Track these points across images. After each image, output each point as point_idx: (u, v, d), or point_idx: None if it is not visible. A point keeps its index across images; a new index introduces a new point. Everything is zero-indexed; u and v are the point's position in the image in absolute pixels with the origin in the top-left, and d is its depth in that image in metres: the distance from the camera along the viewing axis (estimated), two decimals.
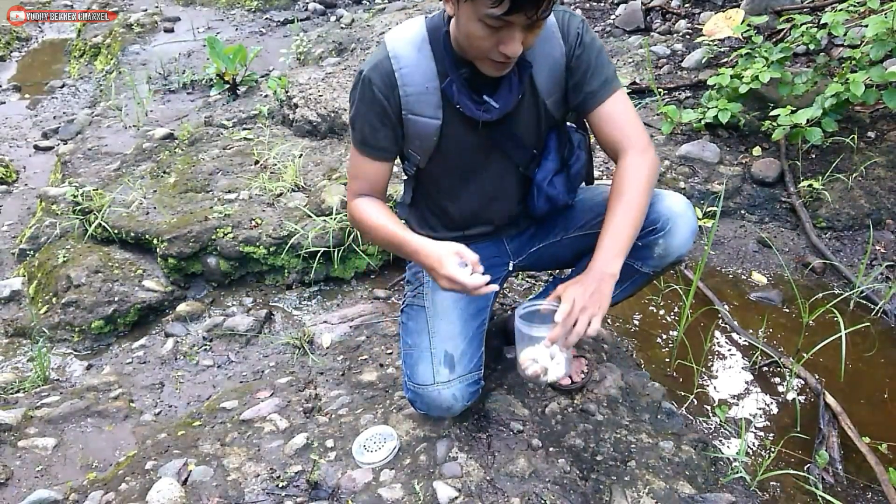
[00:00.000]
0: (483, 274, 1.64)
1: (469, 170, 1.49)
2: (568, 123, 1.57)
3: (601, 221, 1.38)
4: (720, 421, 1.82)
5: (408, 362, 1.54)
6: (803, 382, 1.94)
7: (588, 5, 4.88)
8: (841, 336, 1.84)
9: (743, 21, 3.26)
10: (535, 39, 1.32)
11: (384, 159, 1.45)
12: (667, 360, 2.05)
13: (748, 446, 1.75)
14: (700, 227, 2.68)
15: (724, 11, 3.72)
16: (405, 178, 1.62)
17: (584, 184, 1.65)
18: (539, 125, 1.45)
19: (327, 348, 2.12)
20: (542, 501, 1.45)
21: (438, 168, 1.50)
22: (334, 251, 2.50)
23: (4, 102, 4.91)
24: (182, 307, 2.43)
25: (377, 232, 1.42)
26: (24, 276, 2.67)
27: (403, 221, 1.76)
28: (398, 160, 1.54)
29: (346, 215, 2.55)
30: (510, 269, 1.69)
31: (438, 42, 1.35)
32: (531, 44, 1.23)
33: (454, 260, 1.25)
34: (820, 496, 1.54)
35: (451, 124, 1.40)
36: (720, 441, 1.77)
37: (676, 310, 2.28)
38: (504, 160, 1.48)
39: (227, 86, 4.11)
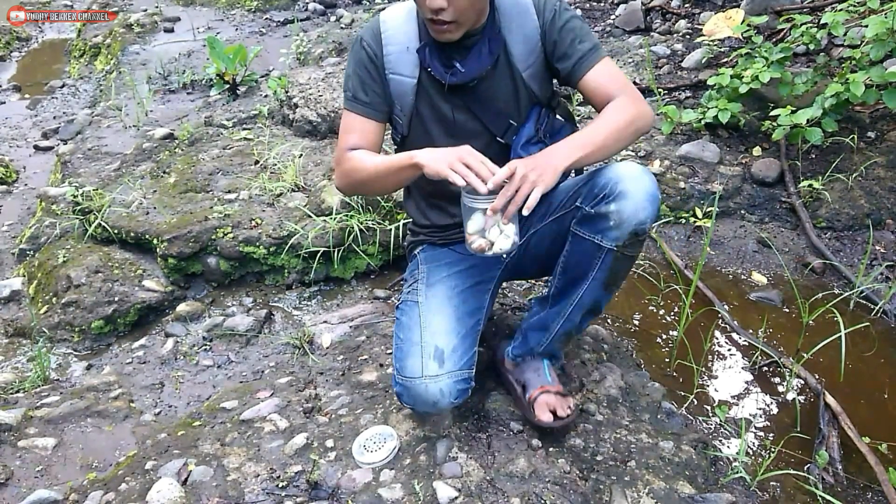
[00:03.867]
0: (477, 272, 1.65)
1: (447, 135, 1.53)
2: (558, 117, 1.61)
3: (568, 208, 1.48)
4: (720, 421, 1.82)
5: (398, 355, 1.52)
6: (803, 382, 1.94)
7: (588, 5, 4.88)
8: (841, 336, 1.84)
9: (743, 21, 3.26)
10: (510, 11, 1.45)
11: (375, 118, 1.54)
12: (667, 360, 2.05)
13: (748, 446, 1.75)
14: (700, 226, 2.68)
15: (724, 11, 3.72)
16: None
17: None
18: (516, 96, 1.52)
19: (327, 348, 2.12)
20: (542, 501, 1.45)
21: (419, 134, 1.55)
22: (334, 251, 2.50)
23: (4, 102, 4.91)
24: (182, 307, 2.43)
25: (374, 168, 1.47)
26: (24, 276, 2.67)
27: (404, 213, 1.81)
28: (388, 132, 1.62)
29: (346, 215, 2.55)
30: (501, 258, 1.67)
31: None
32: (462, 5, 1.31)
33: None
34: (820, 496, 1.54)
35: (425, 86, 1.50)
36: (720, 441, 1.77)
37: (676, 310, 2.28)
38: (480, 128, 1.53)
39: (227, 86, 4.11)
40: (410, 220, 1.81)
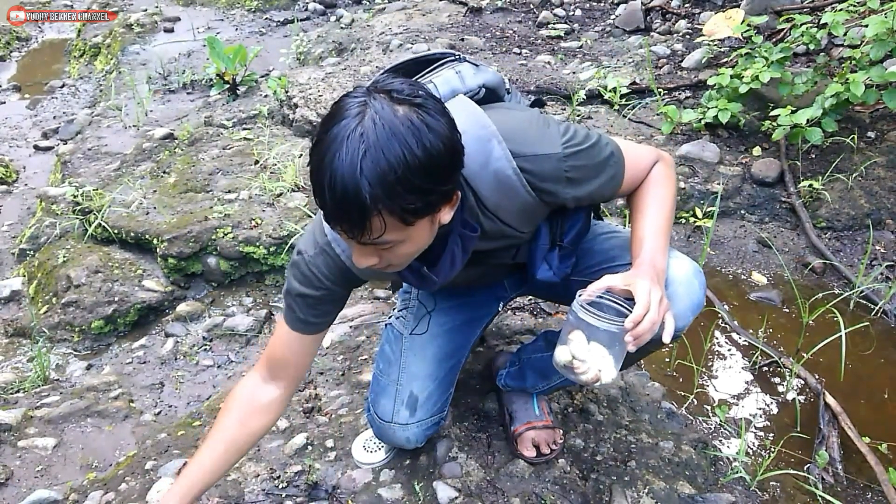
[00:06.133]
0: (472, 308, 1.56)
1: (455, 282, 1.36)
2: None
3: (605, 269, 1.22)
4: (720, 421, 1.82)
5: (374, 387, 1.50)
6: (803, 382, 1.94)
7: (588, 5, 4.88)
8: (841, 336, 1.84)
9: (743, 21, 3.26)
10: (492, 191, 1.12)
11: (316, 333, 1.29)
12: (667, 360, 2.05)
13: (748, 446, 1.75)
14: (700, 226, 2.68)
15: (724, 11, 3.72)
16: None
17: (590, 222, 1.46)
18: (519, 239, 1.28)
19: (327, 348, 2.12)
20: (542, 501, 1.45)
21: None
22: None
23: (4, 102, 4.90)
24: (182, 307, 2.43)
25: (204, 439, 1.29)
26: (24, 276, 2.67)
27: None
28: None
29: None
30: (503, 296, 1.60)
31: None
32: (396, 257, 1.04)
33: None
34: (820, 496, 1.54)
35: None
36: (720, 441, 1.77)
37: None
38: (489, 266, 1.35)
39: (227, 86, 4.11)
40: None
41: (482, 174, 1.11)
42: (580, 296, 1.11)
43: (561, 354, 1.14)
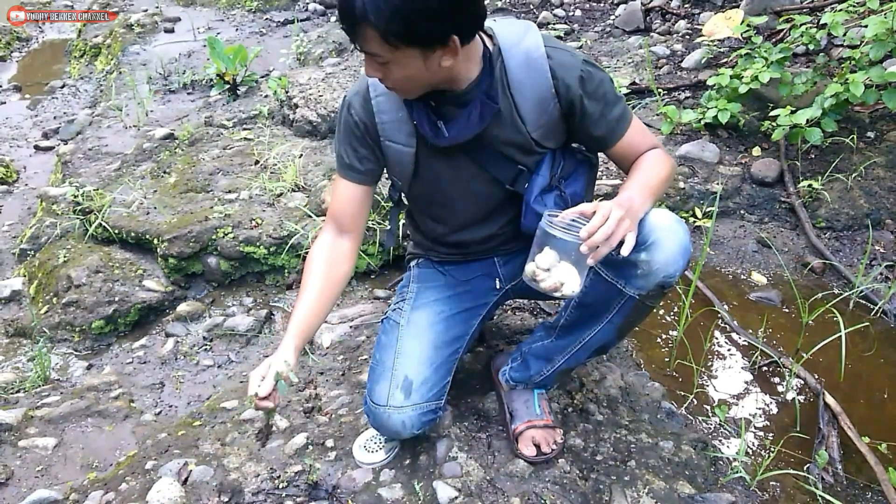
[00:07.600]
0: (469, 298, 1.60)
1: (453, 193, 1.47)
2: (574, 155, 1.47)
3: None
4: (720, 421, 1.82)
5: (370, 376, 1.52)
6: (803, 382, 1.94)
7: (588, 5, 4.88)
8: (840, 336, 1.84)
9: (742, 21, 3.26)
10: (521, 71, 1.30)
11: (364, 182, 1.48)
12: (667, 360, 2.05)
13: (748, 446, 1.75)
14: (699, 226, 2.68)
15: (723, 12, 3.72)
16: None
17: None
18: (526, 147, 1.39)
19: (327, 348, 2.12)
20: (542, 501, 1.45)
21: (422, 193, 1.52)
22: None
23: (4, 102, 4.90)
24: (182, 307, 2.43)
25: (302, 283, 1.47)
26: (25, 276, 2.68)
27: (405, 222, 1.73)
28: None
29: None
30: (497, 287, 1.63)
31: None
32: (392, 79, 1.22)
33: (264, 371, 1.33)
34: (820, 496, 1.54)
35: (425, 151, 1.40)
36: (720, 441, 1.77)
37: (676, 310, 2.28)
38: (488, 180, 1.43)
39: (228, 86, 4.11)
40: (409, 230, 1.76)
41: (515, 50, 1.30)
42: (549, 215, 1.21)
43: (528, 268, 1.25)
